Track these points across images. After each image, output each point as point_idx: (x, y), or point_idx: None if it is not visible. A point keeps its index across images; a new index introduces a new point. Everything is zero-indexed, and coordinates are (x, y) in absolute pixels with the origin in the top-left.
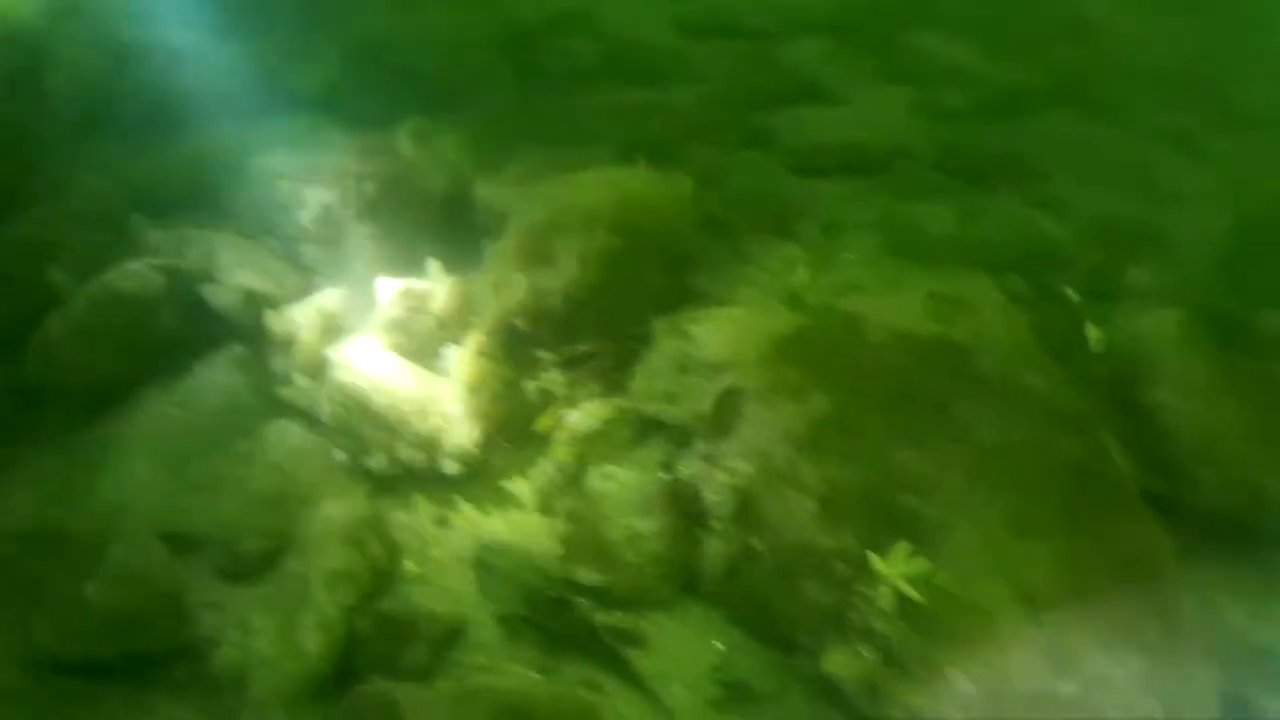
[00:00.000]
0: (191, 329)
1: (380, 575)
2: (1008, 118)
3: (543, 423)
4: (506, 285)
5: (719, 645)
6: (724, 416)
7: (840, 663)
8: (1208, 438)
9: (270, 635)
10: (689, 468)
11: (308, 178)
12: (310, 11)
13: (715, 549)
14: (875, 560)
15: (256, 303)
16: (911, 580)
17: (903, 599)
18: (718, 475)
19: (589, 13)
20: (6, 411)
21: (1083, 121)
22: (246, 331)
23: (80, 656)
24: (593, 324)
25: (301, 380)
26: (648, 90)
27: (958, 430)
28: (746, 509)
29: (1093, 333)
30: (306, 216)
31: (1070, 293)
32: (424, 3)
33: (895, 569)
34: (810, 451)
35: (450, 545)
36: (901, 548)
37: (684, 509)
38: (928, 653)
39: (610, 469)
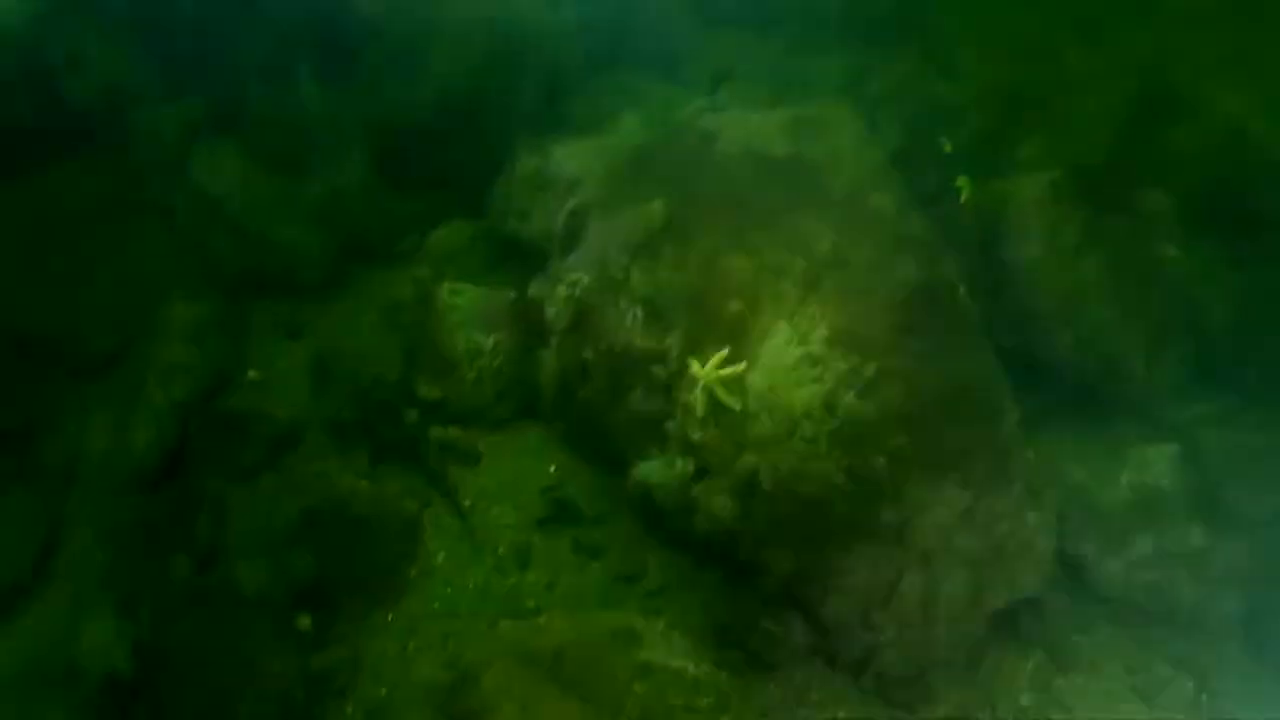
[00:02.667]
0: (50, 124)
1: (220, 375)
2: None
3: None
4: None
5: (551, 468)
6: (572, 233)
7: (652, 470)
8: (1068, 299)
9: (103, 429)
10: (537, 287)
11: None
12: None
13: (551, 365)
14: (694, 364)
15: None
16: (726, 384)
17: (717, 404)
18: (559, 290)
19: None
20: None
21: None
22: (108, 130)
23: None
24: (459, 142)
25: (161, 183)
26: None
27: (795, 242)
28: (581, 320)
29: (962, 182)
30: None
31: (944, 142)
32: None
33: (711, 373)
34: (644, 259)
35: (297, 355)
36: (719, 352)
37: (528, 327)
38: (737, 462)
39: (461, 285)
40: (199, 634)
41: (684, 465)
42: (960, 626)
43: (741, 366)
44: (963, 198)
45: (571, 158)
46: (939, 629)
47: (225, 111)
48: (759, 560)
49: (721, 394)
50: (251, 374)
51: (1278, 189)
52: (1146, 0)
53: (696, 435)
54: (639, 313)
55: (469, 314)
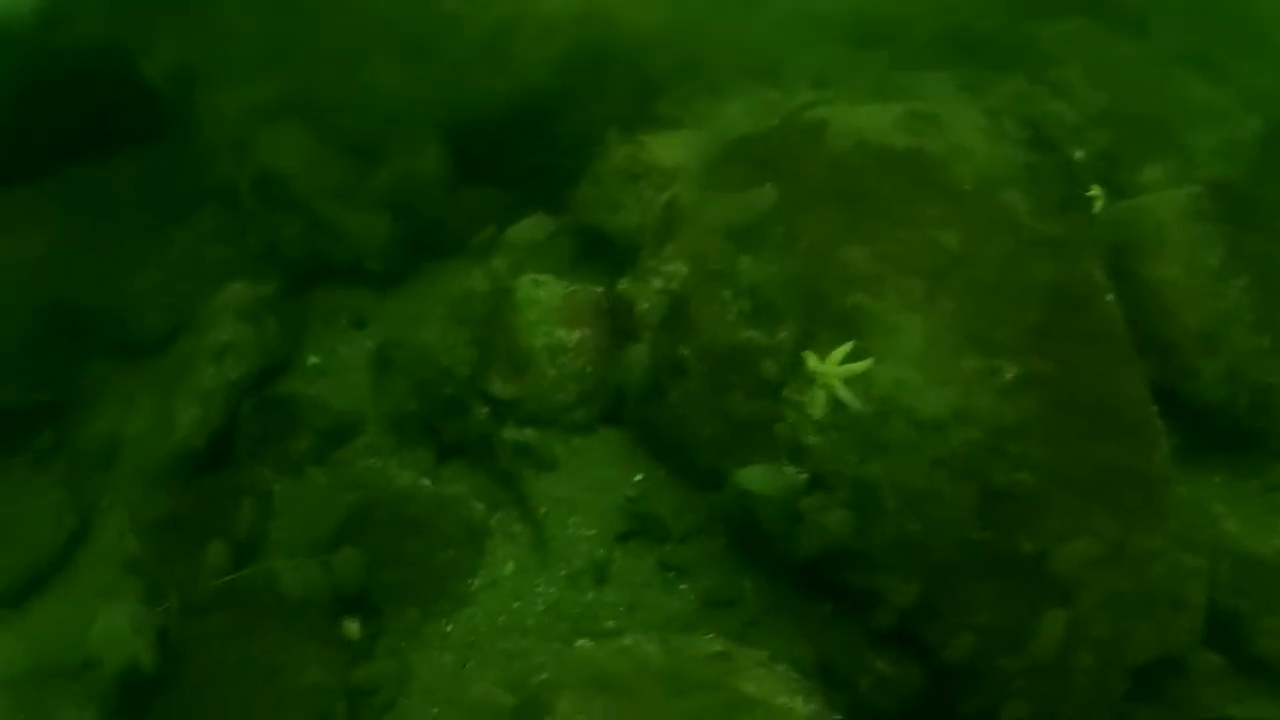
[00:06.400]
0: (118, 105)
1: (275, 360)
2: (1024, 16)
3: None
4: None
5: (636, 477)
6: (667, 223)
7: (756, 478)
8: (1214, 324)
9: (147, 411)
10: (627, 282)
11: None
12: None
13: (641, 363)
14: (810, 359)
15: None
16: (849, 383)
17: (837, 404)
18: (653, 282)
19: None
20: None
21: (1103, 32)
22: (176, 112)
23: None
24: (540, 137)
25: (228, 166)
26: None
27: (919, 233)
28: (677, 314)
29: (1096, 192)
30: None
31: (1076, 152)
32: None
33: (832, 369)
34: (750, 248)
35: (360, 344)
36: (841, 347)
37: (615, 325)
38: (859, 471)
39: (543, 278)
40: (231, 633)
41: (794, 474)
42: (1102, 681)
43: (867, 363)
44: (1096, 207)
45: (668, 147)
46: (1078, 681)
47: (297, 95)
48: (874, 589)
49: (843, 393)
50: (311, 360)
51: None
52: (1262, 41)
53: (811, 440)
54: (744, 305)
55: (551, 308)
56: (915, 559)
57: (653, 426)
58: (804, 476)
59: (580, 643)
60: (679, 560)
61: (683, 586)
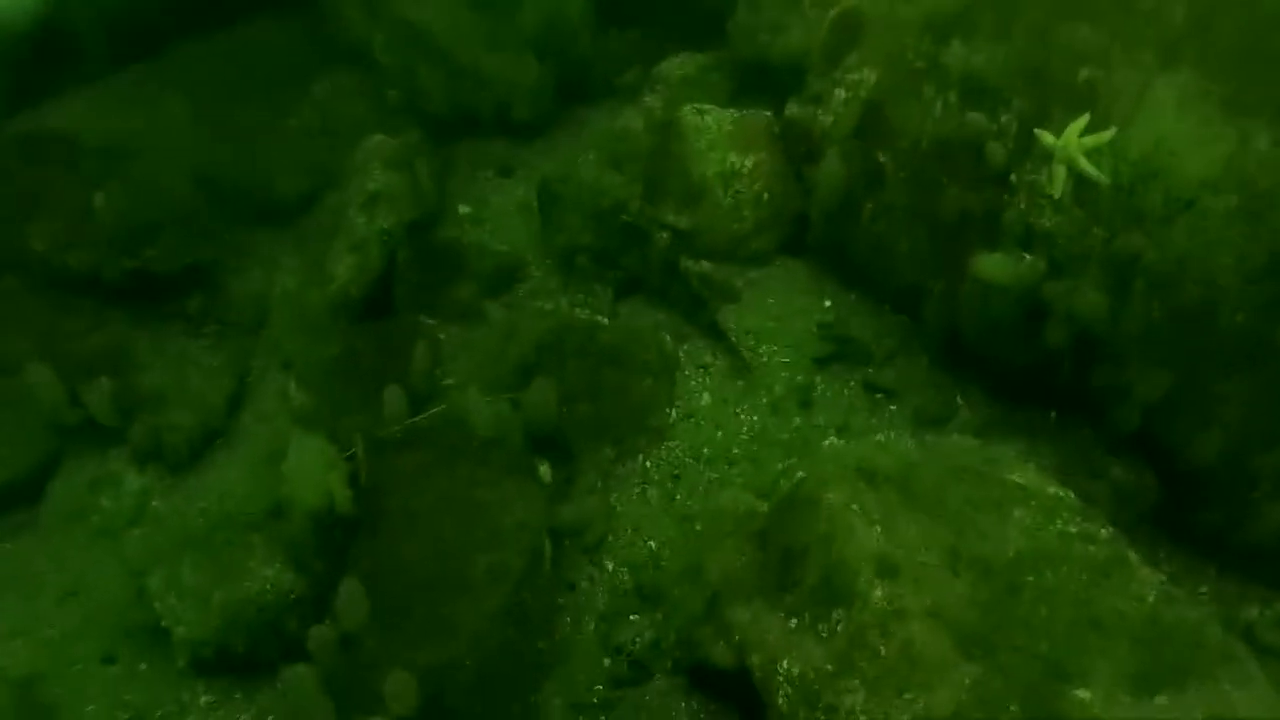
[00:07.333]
0: None
1: (426, 206)
2: None
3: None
4: None
5: (826, 303)
6: (846, 32)
7: (995, 266)
8: None
9: (297, 270)
10: (797, 107)
11: None
12: None
13: (829, 181)
14: (1044, 136)
15: None
16: (1094, 155)
17: (1081, 181)
18: (837, 94)
19: None
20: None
21: None
22: None
23: (82, 268)
24: None
25: (359, 23)
26: None
27: (1138, 10)
28: (872, 121)
29: None
30: None
31: None
32: None
33: (1073, 142)
34: (957, 37)
35: (512, 193)
36: (1078, 119)
37: (791, 150)
38: (1112, 247)
39: (707, 107)
40: (423, 474)
41: (1034, 260)
42: None
43: (1111, 132)
44: None
45: None
46: None
47: None
48: (1119, 383)
49: (1085, 166)
50: (462, 209)
51: None
52: None
53: (1049, 221)
54: (951, 98)
55: (721, 134)
56: (1166, 346)
57: (841, 249)
58: (1042, 264)
59: (830, 440)
60: (884, 381)
61: (892, 408)
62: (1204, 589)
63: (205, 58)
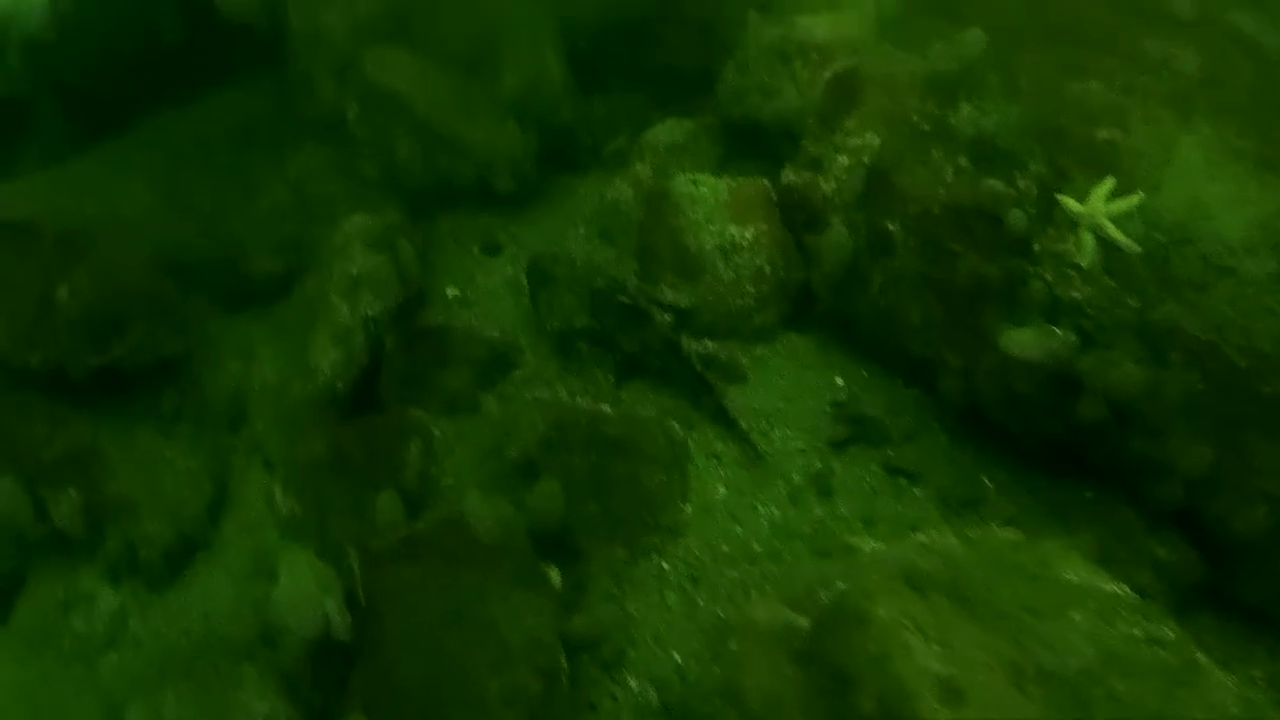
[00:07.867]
0: (202, 41)
1: (413, 288)
2: None
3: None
4: None
5: (838, 380)
6: (843, 95)
7: (1023, 341)
8: None
9: (275, 361)
10: (794, 173)
11: None
12: None
13: (834, 251)
14: (1067, 201)
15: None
16: (1120, 221)
17: (1109, 248)
18: (839, 160)
19: None
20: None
21: None
22: (267, 42)
23: (45, 367)
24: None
25: (330, 92)
26: None
27: (1148, 65)
28: (878, 185)
29: None
30: None
31: None
32: None
33: (1099, 207)
34: (964, 97)
35: (500, 271)
36: (1102, 184)
37: (790, 218)
38: (1147, 318)
39: (700, 176)
40: (424, 588)
41: (1065, 334)
42: None
43: (1138, 197)
44: None
45: (821, 24)
46: None
47: (400, 10)
48: (1159, 458)
49: (1115, 234)
50: (450, 291)
51: None
52: None
53: (1079, 292)
54: (963, 161)
55: (717, 205)
56: (1207, 417)
57: (849, 322)
58: (1074, 337)
59: (869, 543)
60: (906, 463)
61: (916, 491)
62: (1255, 671)
63: (171, 132)
